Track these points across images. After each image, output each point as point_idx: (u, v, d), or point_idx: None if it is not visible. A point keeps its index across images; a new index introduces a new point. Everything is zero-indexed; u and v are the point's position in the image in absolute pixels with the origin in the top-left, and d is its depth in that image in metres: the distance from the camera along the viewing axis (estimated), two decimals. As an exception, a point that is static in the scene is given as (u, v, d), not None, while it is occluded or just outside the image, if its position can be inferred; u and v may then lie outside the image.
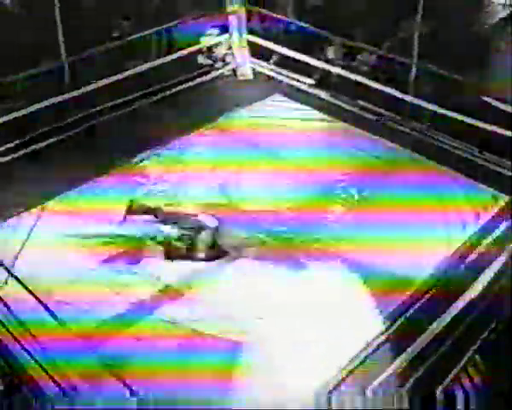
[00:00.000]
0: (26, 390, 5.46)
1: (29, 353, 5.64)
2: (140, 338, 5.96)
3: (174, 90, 10.08)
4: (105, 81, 9.32)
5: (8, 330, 5.90)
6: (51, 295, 6.30)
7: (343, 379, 5.54)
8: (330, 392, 5.37)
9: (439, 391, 5.47)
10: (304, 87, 10.28)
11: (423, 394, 5.40)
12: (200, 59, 10.73)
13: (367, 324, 6.12)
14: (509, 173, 8.17)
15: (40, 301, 5.69)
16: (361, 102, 9.67)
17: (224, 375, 5.59)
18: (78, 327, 5.89)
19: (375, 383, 5.51)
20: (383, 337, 5.97)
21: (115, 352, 5.76)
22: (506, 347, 5.94)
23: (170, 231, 7.23)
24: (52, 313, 5.60)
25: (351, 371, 5.61)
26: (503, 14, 9.43)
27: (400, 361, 5.75)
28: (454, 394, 5.55)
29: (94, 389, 5.33)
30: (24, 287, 5.84)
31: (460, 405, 5.47)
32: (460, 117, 8.68)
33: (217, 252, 7.05)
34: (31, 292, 5.78)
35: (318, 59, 10.28)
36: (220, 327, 6.04)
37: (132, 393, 5.00)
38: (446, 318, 6.15)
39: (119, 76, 9.49)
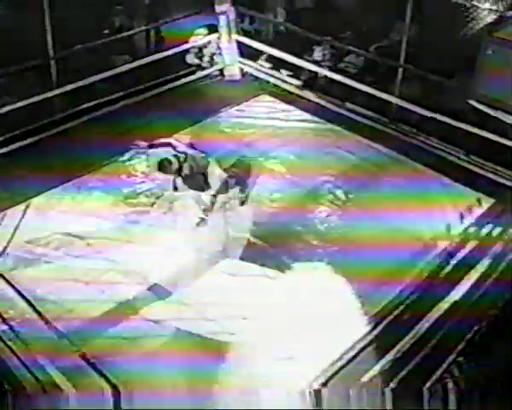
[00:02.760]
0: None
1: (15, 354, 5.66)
2: (127, 338, 5.95)
3: (161, 89, 10.05)
4: (91, 79, 9.27)
5: None
6: (36, 292, 6.32)
7: (328, 380, 5.55)
8: (315, 391, 5.37)
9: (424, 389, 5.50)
10: (291, 88, 10.29)
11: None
12: (189, 58, 10.70)
13: (352, 324, 6.15)
14: (493, 177, 8.25)
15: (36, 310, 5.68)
16: (348, 104, 9.70)
17: (210, 376, 5.59)
18: (62, 324, 5.94)
19: (359, 383, 5.54)
20: (368, 338, 6.00)
21: (100, 351, 5.75)
22: (490, 348, 5.98)
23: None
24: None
25: (336, 372, 5.63)
26: (490, 19, 9.50)
27: (384, 362, 5.78)
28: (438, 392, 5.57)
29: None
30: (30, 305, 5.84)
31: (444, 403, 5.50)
32: (447, 120, 8.74)
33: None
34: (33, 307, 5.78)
35: (306, 60, 10.30)
36: (206, 327, 6.05)
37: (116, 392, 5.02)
38: (430, 319, 6.20)
39: (104, 74, 9.43)
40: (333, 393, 5.31)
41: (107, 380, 5.45)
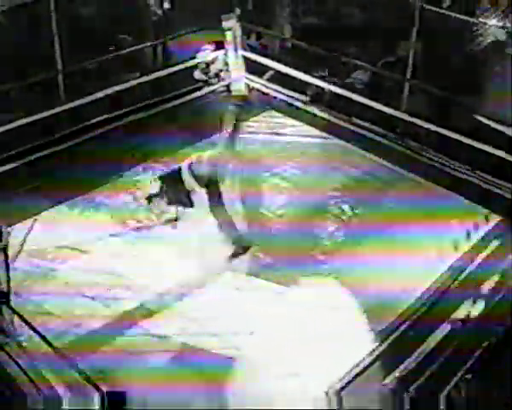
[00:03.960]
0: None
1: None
2: (130, 352, 5.95)
3: (167, 105, 10.08)
4: (99, 94, 9.30)
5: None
6: (42, 307, 6.32)
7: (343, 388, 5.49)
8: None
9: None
10: (298, 103, 10.31)
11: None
12: (196, 74, 10.75)
13: (358, 339, 6.12)
14: (501, 192, 8.22)
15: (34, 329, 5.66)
16: (354, 119, 9.71)
17: (216, 390, 5.57)
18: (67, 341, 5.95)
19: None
20: (374, 355, 5.96)
21: (105, 364, 5.75)
22: (498, 366, 5.94)
23: None
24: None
25: (341, 389, 5.58)
26: (496, 35, 9.53)
27: (391, 379, 5.74)
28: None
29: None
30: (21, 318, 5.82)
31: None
32: (453, 136, 8.73)
33: None
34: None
35: (313, 76, 10.32)
36: (211, 342, 6.03)
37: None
38: (437, 336, 6.15)
39: (112, 90, 9.47)
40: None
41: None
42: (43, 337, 5.55)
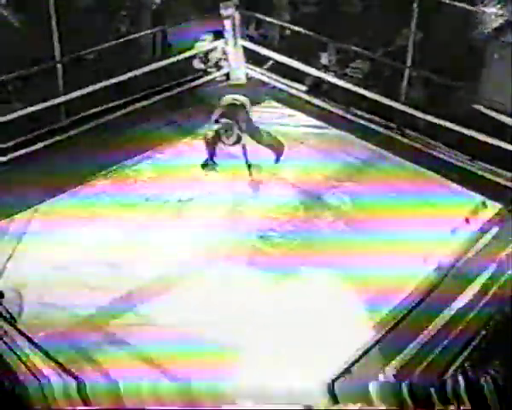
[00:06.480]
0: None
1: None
2: (127, 341, 5.99)
3: (166, 94, 10.07)
4: (98, 85, 9.29)
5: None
6: (44, 298, 6.37)
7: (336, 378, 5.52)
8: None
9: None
10: (297, 93, 10.30)
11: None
12: (196, 64, 10.73)
13: (358, 328, 6.15)
14: (500, 181, 8.25)
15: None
16: (353, 109, 9.71)
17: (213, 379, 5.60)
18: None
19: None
20: (373, 344, 5.99)
21: (101, 353, 5.83)
22: (498, 350, 5.97)
23: None
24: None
25: (345, 371, 5.58)
26: (496, 23, 9.51)
27: (393, 365, 5.76)
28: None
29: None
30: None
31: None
32: (452, 125, 8.73)
33: None
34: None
35: (313, 65, 10.30)
36: (210, 333, 6.04)
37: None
38: (437, 324, 6.19)
39: (111, 80, 9.45)
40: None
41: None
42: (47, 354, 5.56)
